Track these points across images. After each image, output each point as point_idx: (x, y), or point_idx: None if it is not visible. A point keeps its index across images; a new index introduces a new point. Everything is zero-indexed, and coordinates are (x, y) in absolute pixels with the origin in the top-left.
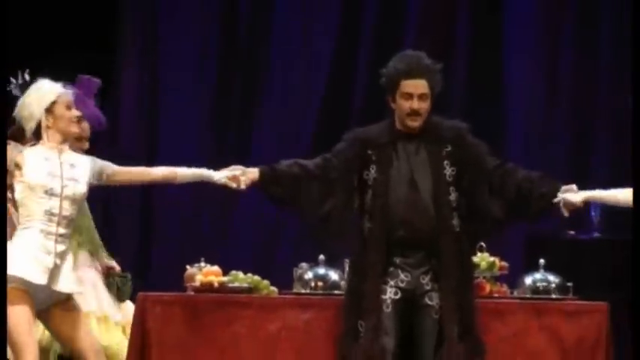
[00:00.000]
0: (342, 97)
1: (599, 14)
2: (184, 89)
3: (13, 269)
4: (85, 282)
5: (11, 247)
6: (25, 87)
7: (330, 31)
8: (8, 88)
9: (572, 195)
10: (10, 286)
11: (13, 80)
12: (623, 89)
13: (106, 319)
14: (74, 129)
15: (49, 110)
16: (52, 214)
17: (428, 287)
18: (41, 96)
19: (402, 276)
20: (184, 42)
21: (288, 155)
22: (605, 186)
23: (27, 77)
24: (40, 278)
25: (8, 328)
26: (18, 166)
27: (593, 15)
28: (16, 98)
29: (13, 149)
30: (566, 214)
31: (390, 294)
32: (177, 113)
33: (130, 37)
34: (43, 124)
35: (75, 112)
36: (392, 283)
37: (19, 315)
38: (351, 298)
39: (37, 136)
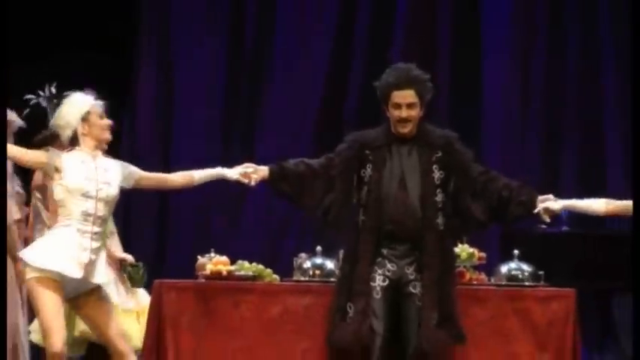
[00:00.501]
0: (339, 96)
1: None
2: (196, 91)
3: (50, 263)
4: None
5: (49, 241)
6: (51, 99)
7: (326, 41)
8: (36, 100)
9: (552, 203)
10: (44, 275)
11: (40, 93)
12: (591, 92)
13: (115, 307)
14: (106, 135)
15: (85, 119)
16: (88, 215)
17: (412, 277)
18: (77, 106)
19: (388, 266)
20: (196, 48)
21: (290, 149)
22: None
23: (53, 90)
24: (77, 273)
25: (40, 313)
26: (57, 170)
27: (564, 22)
28: (40, 108)
29: (52, 154)
30: (547, 220)
31: (378, 281)
32: (190, 113)
33: (145, 43)
34: (79, 132)
35: (107, 121)
36: (380, 271)
37: (51, 301)
38: (342, 283)
39: (73, 142)
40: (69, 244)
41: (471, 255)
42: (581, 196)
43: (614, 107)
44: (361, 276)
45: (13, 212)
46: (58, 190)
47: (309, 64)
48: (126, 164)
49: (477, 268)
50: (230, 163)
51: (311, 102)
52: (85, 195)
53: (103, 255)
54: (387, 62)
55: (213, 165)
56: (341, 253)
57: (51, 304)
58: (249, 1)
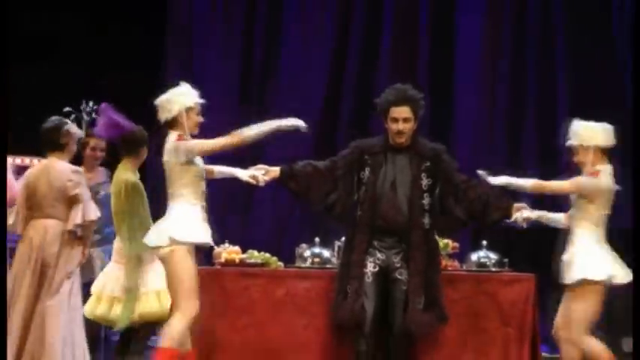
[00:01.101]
0: (335, 106)
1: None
2: (214, 99)
3: (193, 236)
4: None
5: (190, 219)
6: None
7: (325, 57)
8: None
9: (529, 212)
10: (183, 247)
11: (81, 107)
12: (547, 113)
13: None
14: (196, 131)
15: (187, 110)
16: (204, 193)
17: (398, 265)
18: (185, 96)
19: (378, 255)
20: (215, 64)
21: (295, 150)
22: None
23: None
24: (210, 240)
25: (184, 282)
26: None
27: (525, 59)
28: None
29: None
30: (524, 226)
31: (370, 267)
32: (208, 118)
33: (170, 66)
34: (181, 119)
35: (200, 119)
36: (371, 259)
37: (191, 269)
38: (342, 269)
39: (169, 125)
40: (201, 218)
41: (446, 245)
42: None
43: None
44: (355, 262)
45: (92, 211)
46: (190, 174)
47: (308, 82)
48: None
49: (451, 256)
50: (243, 164)
51: (312, 111)
52: (203, 177)
53: None
54: (374, 82)
55: (226, 163)
56: (336, 243)
57: (193, 273)
58: (258, 29)
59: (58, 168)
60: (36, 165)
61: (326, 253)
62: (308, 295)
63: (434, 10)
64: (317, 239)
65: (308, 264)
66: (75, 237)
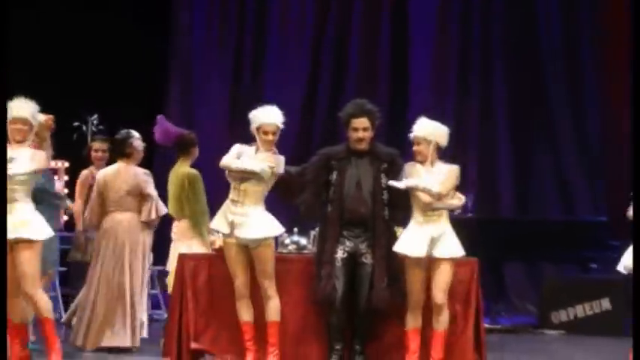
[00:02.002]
0: (310, 119)
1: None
2: (211, 120)
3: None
4: None
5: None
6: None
7: (302, 71)
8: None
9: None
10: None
11: (88, 119)
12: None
13: None
14: (266, 147)
15: (258, 128)
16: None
17: (364, 251)
18: (260, 116)
19: (347, 243)
20: (211, 87)
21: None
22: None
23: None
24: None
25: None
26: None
27: (468, 83)
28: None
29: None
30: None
31: (340, 254)
32: (207, 134)
33: (172, 90)
34: (254, 133)
35: (269, 138)
36: (341, 247)
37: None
38: (318, 256)
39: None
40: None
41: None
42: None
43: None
44: (328, 250)
45: (162, 207)
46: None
47: (288, 98)
48: None
49: None
50: None
51: (292, 122)
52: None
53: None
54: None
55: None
56: (312, 232)
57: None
58: (246, 55)
59: (129, 171)
60: (108, 169)
61: (303, 241)
62: (287, 277)
63: (392, 42)
64: (295, 229)
65: (288, 250)
66: (146, 227)
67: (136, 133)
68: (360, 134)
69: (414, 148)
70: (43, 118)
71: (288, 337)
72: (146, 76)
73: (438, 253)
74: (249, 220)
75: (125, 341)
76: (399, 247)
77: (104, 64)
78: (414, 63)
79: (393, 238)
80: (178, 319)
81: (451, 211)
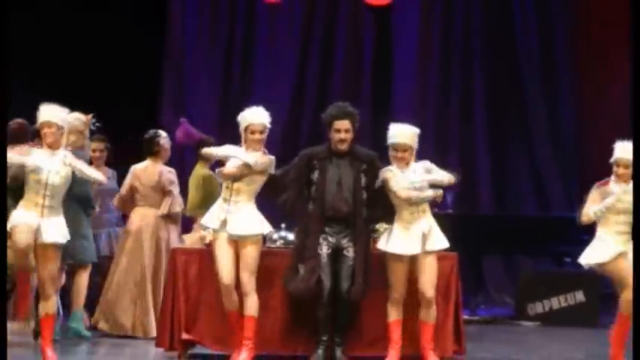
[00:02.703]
0: (297, 120)
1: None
2: (201, 121)
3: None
4: None
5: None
6: (93, 124)
7: (287, 85)
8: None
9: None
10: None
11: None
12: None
13: None
14: (255, 146)
15: (245, 129)
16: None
17: (346, 245)
18: (246, 116)
19: (330, 239)
20: (201, 91)
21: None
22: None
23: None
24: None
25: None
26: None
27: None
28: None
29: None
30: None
31: (325, 249)
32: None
33: (167, 88)
34: (242, 134)
35: (257, 137)
36: (325, 243)
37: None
38: (298, 251)
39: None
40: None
41: (386, 229)
42: None
43: (484, 133)
44: (311, 246)
45: (177, 205)
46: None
47: (276, 96)
48: None
49: None
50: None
51: (277, 124)
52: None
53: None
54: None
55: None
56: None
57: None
58: (235, 63)
59: (156, 168)
60: (139, 165)
61: (290, 236)
62: (274, 268)
63: (375, 46)
64: (283, 225)
65: (276, 245)
66: (171, 222)
67: (163, 133)
68: (342, 135)
69: (399, 155)
70: (83, 117)
71: (276, 328)
72: (141, 76)
73: (430, 246)
74: (239, 216)
75: (144, 331)
76: (391, 247)
77: (101, 63)
78: (398, 64)
79: (369, 234)
80: (171, 311)
81: (432, 206)
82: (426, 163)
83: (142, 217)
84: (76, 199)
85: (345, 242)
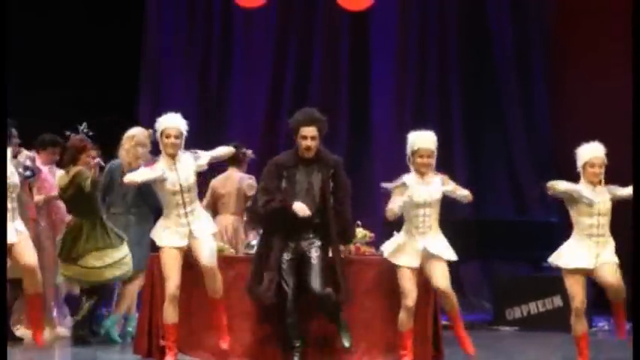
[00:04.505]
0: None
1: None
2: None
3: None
4: None
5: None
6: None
7: (264, 92)
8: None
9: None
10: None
11: (78, 128)
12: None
13: None
14: (169, 151)
15: (161, 133)
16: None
17: (311, 250)
18: (162, 121)
19: (294, 245)
20: (178, 90)
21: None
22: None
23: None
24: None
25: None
26: None
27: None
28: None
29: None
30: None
31: (286, 256)
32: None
33: (144, 87)
34: (159, 141)
35: (172, 140)
36: (288, 250)
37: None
38: (259, 258)
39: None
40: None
41: (364, 235)
42: None
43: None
44: (275, 254)
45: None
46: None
47: (252, 104)
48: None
49: (368, 244)
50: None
51: (255, 124)
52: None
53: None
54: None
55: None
56: None
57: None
58: (212, 63)
59: (237, 176)
60: (221, 175)
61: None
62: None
63: (352, 48)
64: (261, 231)
65: (254, 251)
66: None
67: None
68: (309, 142)
69: (425, 160)
70: (144, 132)
71: (254, 337)
72: (119, 74)
73: (434, 251)
74: (201, 223)
75: None
76: (401, 261)
77: (77, 63)
78: (375, 67)
79: (336, 239)
80: (148, 317)
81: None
82: (443, 177)
83: (225, 223)
84: (149, 207)
85: (311, 248)
